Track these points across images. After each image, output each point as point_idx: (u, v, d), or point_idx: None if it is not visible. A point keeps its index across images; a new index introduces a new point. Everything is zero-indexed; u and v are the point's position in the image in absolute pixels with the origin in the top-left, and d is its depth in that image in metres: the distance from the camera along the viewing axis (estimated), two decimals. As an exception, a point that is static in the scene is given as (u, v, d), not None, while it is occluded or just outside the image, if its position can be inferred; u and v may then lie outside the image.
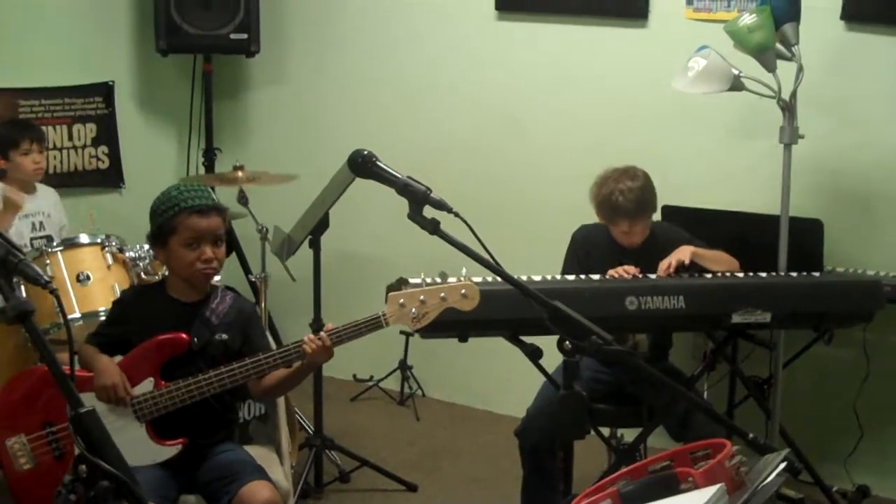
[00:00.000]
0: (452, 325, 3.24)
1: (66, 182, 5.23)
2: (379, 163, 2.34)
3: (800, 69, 3.72)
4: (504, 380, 5.06)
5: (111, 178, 5.58)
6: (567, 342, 2.26)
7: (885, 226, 4.21)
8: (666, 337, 3.88)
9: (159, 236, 3.07)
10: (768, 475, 1.79)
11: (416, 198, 2.30)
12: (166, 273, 3.38)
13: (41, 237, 4.35)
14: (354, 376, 5.63)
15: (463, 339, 3.38)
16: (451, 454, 4.79)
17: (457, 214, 2.27)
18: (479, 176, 5.17)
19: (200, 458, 3.06)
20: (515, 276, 3.41)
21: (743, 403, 4.15)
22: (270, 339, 3.37)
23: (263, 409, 3.78)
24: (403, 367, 5.44)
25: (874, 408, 4.22)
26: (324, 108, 5.71)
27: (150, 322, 3.07)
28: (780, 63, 3.72)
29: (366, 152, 2.35)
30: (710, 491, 1.67)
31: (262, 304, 4.45)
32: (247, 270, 5.28)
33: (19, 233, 4.23)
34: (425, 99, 5.40)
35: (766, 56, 3.71)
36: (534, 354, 3.04)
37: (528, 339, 3.20)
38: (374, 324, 2.92)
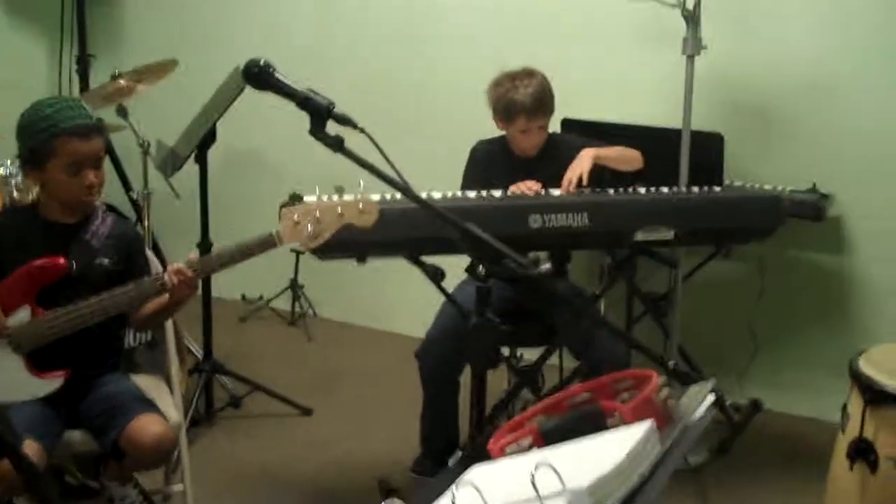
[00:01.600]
0: (350, 244, 3.10)
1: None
2: (277, 74, 2.14)
3: (705, -23, 3.62)
4: (400, 298, 4.95)
5: (-25, 86, 5.20)
6: (480, 266, 2.13)
7: (784, 140, 4.19)
8: (565, 254, 3.81)
9: (33, 159, 2.79)
10: (698, 409, 1.70)
11: (319, 112, 2.11)
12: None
13: None
14: (243, 296, 5.47)
15: (361, 259, 3.25)
16: (345, 376, 4.69)
17: (362, 130, 2.10)
18: (373, 89, 5.00)
19: (84, 391, 2.87)
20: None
21: (641, 320, 4.13)
22: (156, 261, 3.17)
23: (150, 335, 3.59)
24: (294, 286, 5.29)
25: (768, 323, 4.26)
26: (208, 8, 5.41)
27: (24, 247, 2.82)
28: (684, -30, 3.61)
29: (262, 62, 2.14)
30: (640, 428, 1.58)
31: (146, 223, 4.22)
32: (127, 187, 4.99)
33: None
34: (319, 4, 5.15)
35: (671, -38, 3.60)
36: (435, 276, 2.92)
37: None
38: (267, 243, 2.75)
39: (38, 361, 2.78)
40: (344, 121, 2.11)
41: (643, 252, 3.69)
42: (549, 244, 3.47)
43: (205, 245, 4.00)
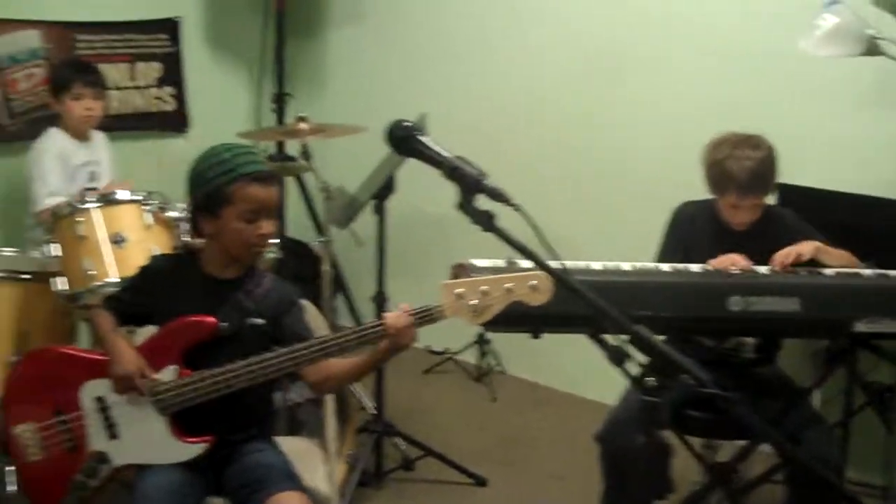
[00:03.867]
0: (522, 318, 2.76)
1: (126, 125, 4.92)
2: (423, 139, 1.88)
3: (950, 32, 3.15)
4: (593, 360, 4.52)
5: (176, 121, 5.24)
6: (649, 377, 1.80)
7: None
8: (774, 340, 3.37)
9: (208, 205, 2.62)
10: None
11: (468, 184, 1.85)
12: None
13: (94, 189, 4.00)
14: (428, 348, 5.25)
15: (535, 335, 2.92)
16: (528, 444, 4.37)
17: (517, 208, 1.81)
18: (567, 139, 4.75)
19: (230, 457, 2.69)
20: (603, 263, 3.00)
21: (861, 412, 3.63)
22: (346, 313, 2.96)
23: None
24: (482, 340, 5.05)
25: None
26: (406, 48, 5.31)
27: (177, 299, 2.67)
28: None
29: (409, 124, 1.89)
30: None
31: (325, 267, 3.99)
32: (320, 231, 4.87)
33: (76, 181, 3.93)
34: (514, 44, 4.97)
35: (910, 15, 3.17)
36: (617, 358, 2.56)
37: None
38: (426, 317, 2.50)
39: (183, 424, 2.62)
40: (496, 195, 1.83)
41: (864, 345, 3.20)
42: (752, 330, 3.06)
43: (380, 298, 3.81)
